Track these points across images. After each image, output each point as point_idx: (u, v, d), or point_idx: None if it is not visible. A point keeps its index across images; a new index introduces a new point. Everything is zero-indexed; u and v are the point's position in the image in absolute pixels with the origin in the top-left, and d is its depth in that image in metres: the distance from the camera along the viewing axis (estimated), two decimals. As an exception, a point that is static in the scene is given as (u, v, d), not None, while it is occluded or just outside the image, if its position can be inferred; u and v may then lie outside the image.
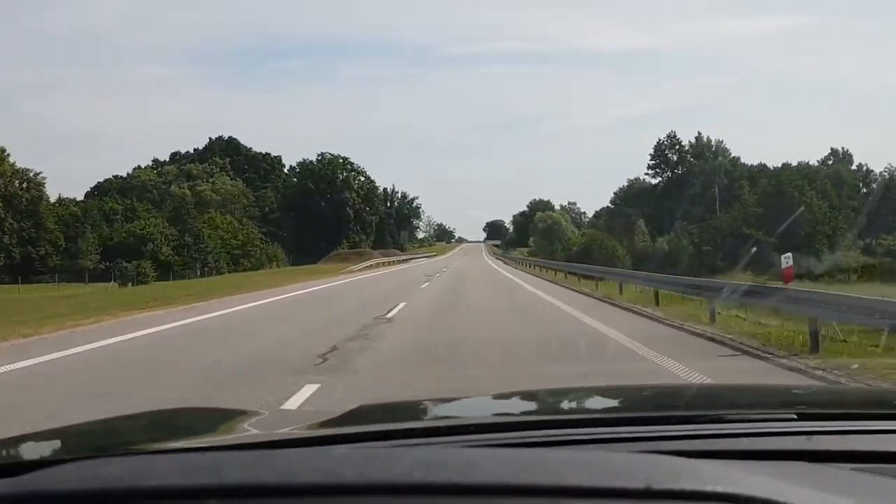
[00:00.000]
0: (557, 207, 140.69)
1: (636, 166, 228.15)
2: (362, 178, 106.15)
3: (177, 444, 1.46)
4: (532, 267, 49.00)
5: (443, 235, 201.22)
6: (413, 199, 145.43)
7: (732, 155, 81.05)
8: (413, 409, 2.05)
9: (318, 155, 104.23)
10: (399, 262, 59.91)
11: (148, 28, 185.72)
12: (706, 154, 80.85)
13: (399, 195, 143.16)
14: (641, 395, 2.27)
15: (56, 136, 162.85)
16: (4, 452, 1.52)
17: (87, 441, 1.71)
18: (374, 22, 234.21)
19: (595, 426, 1.45)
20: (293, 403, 5.84)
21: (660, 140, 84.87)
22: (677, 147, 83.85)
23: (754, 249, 60.66)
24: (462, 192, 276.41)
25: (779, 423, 1.41)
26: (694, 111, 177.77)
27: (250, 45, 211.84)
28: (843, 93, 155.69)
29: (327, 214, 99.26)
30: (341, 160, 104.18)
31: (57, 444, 1.69)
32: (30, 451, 1.58)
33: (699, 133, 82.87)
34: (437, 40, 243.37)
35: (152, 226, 75.52)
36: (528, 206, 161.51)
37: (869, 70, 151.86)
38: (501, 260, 74.03)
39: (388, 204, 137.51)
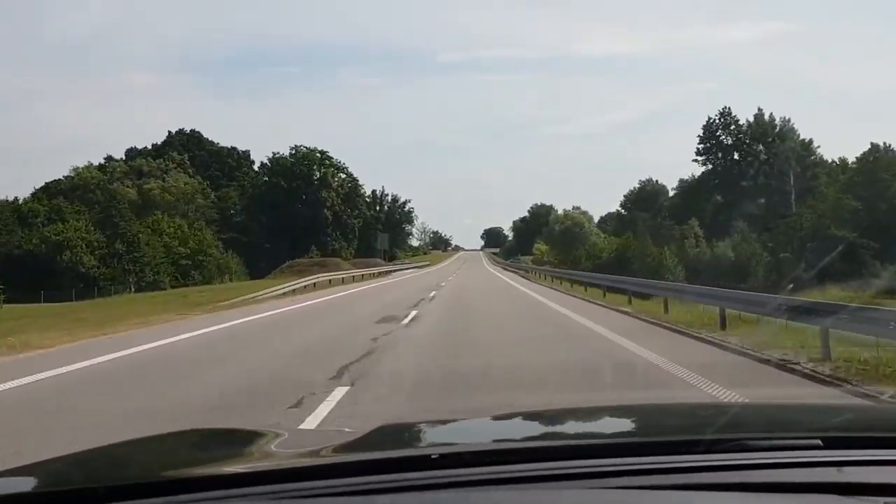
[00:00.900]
0: (560, 213, 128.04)
1: (638, 169, 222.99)
2: (343, 175, 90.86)
3: (206, 472, 1.48)
4: (564, 283, 34.03)
5: (439, 243, 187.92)
6: (405, 203, 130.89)
7: (803, 137, 64.08)
8: (432, 433, 2.01)
9: (292, 148, 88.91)
10: (376, 275, 44.59)
11: (137, 34, 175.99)
12: (769, 135, 64.62)
13: (389, 198, 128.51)
14: (662, 417, 2.21)
15: (43, 140, 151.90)
16: (35, 479, 1.54)
17: (116, 466, 1.71)
18: (372, 28, 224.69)
19: (618, 455, 1.38)
20: None
21: (710, 119, 67.97)
22: (732, 127, 66.95)
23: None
24: (459, 200, 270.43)
25: (806, 451, 1.37)
26: (695, 113, 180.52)
27: (247, 51, 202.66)
28: (843, 93, 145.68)
29: (302, 217, 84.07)
30: (318, 154, 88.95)
31: (86, 470, 1.67)
32: (60, 478, 1.58)
33: (759, 110, 65.99)
34: (435, 46, 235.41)
35: (72, 230, 60.30)
36: (529, 212, 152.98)
37: (864, 72, 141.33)
38: (512, 270, 58.32)
39: (378, 207, 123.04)
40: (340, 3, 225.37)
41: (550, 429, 2.06)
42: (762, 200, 57.34)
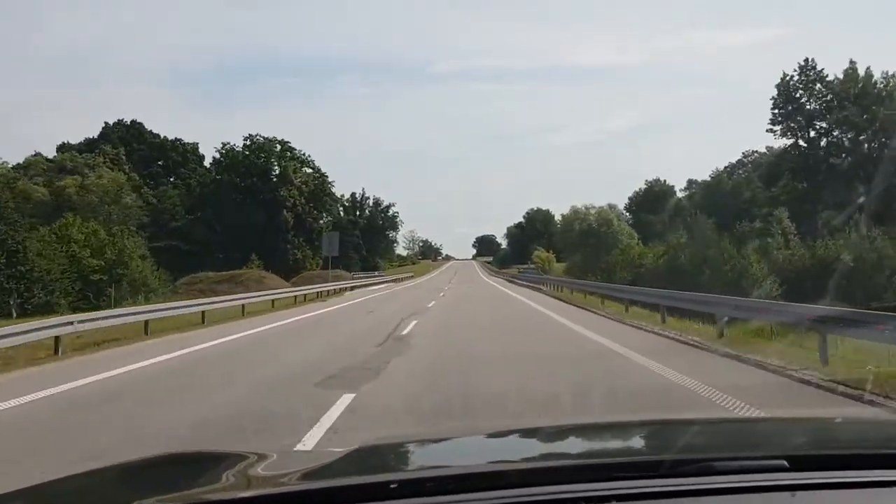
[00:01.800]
0: (558, 218, 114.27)
1: (635, 175, 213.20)
2: (309, 170, 75.54)
3: (194, 500, 1.47)
4: (606, 302, 19.18)
5: (428, 252, 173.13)
6: (389, 207, 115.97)
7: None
8: (415, 453, 1.96)
9: (245, 138, 73.56)
10: (312, 298, 29.23)
11: (134, 47, 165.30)
12: (869, 97, 47.73)
13: (371, 201, 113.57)
14: (625, 436, 2.18)
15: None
16: None
17: (85, 497, 1.67)
18: (365, 39, 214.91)
19: (577, 481, 1.34)
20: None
21: (786, 76, 51.23)
22: (819, 85, 49.82)
23: None
24: (450, 209, 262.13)
25: (769, 473, 1.35)
26: (692, 119, 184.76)
27: (241, 64, 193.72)
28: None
29: (259, 220, 68.79)
30: (278, 145, 73.69)
31: (75, 498, 1.64)
32: None
33: (852, 62, 49.45)
34: (427, 57, 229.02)
35: (-74, 237, 44.84)
36: (524, 217, 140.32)
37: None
38: (524, 285, 42.25)
39: (357, 212, 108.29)
40: (334, 15, 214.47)
41: (521, 453, 1.96)
42: (860, 184, 42.28)
